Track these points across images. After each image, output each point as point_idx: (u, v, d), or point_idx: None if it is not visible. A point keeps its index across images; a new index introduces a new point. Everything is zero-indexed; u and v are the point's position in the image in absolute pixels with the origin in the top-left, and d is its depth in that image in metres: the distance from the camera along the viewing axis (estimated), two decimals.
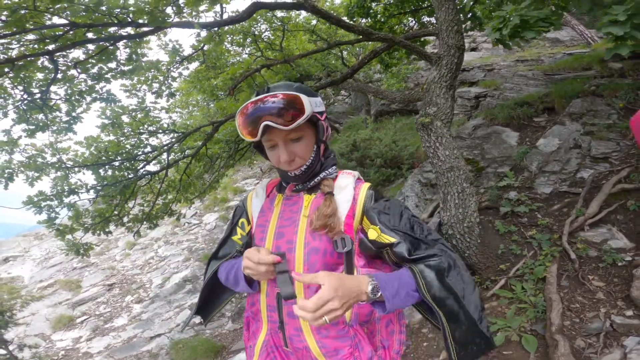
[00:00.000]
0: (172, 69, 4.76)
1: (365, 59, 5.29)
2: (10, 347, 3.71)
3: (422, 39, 6.00)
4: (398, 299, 0.94)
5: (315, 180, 1.16)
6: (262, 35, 6.71)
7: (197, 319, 6.14)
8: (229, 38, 6.44)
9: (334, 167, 1.19)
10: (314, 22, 7.50)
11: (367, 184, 1.17)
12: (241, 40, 6.69)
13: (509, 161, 4.62)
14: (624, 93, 4.63)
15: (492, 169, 4.63)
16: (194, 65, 5.97)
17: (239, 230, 1.28)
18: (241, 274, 1.14)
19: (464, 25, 5.08)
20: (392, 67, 7.20)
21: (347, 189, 1.13)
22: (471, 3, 5.06)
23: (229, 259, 1.27)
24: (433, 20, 6.16)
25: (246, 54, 7.38)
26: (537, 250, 3.40)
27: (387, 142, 7.33)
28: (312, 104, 1.05)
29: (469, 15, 5.07)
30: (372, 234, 1.06)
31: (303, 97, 1.03)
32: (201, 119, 8.98)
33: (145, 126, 4.23)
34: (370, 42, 6.77)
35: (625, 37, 1.99)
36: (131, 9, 2.94)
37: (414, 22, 6.86)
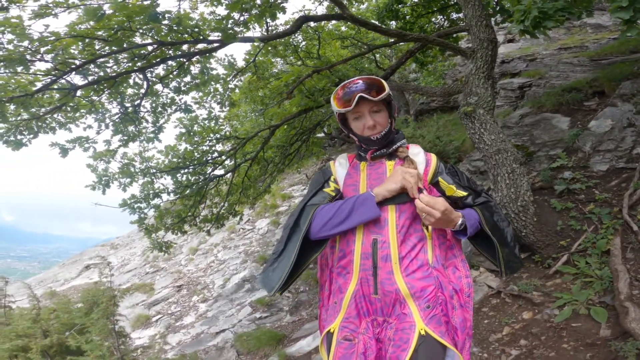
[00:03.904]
0: (229, 80, 5.29)
1: (402, 58, 5.52)
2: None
3: (454, 35, 6.12)
4: (472, 229, 1.38)
5: (393, 147, 1.46)
6: (300, 45, 7.15)
7: (258, 314, 6.56)
8: (270, 49, 6.94)
9: (404, 140, 1.50)
10: (343, 28, 7.86)
11: (434, 155, 1.52)
12: (282, 51, 7.19)
13: (561, 144, 4.60)
14: None
15: (543, 152, 4.64)
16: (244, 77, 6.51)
17: (332, 184, 1.50)
18: (368, 200, 1.34)
19: (494, 19, 5.14)
20: (427, 65, 7.34)
21: (420, 155, 1.48)
22: None
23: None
24: (462, 15, 6.26)
25: (287, 63, 7.85)
26: (598, 224, 3.40)
27: (430, 139, 7.41)
28: (388, 87, 1.40)
29: (497, 8, 5.10)
30: (450, 191, 1.46)
31: (383, 81, 1.41)
32: (251, 129, 9.55)
33: (212, 134, 4.77)
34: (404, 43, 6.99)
35: (632, 20, 2.24)
36: (202, 27, 3.42)
37: (443, 19, 6.98)
